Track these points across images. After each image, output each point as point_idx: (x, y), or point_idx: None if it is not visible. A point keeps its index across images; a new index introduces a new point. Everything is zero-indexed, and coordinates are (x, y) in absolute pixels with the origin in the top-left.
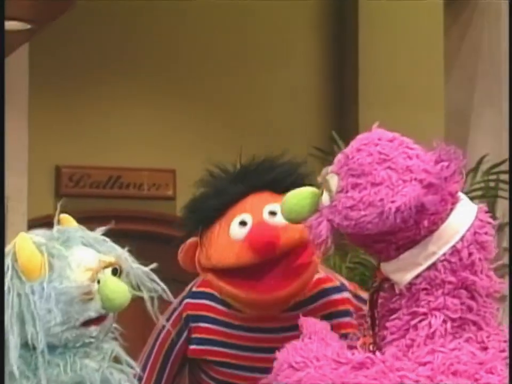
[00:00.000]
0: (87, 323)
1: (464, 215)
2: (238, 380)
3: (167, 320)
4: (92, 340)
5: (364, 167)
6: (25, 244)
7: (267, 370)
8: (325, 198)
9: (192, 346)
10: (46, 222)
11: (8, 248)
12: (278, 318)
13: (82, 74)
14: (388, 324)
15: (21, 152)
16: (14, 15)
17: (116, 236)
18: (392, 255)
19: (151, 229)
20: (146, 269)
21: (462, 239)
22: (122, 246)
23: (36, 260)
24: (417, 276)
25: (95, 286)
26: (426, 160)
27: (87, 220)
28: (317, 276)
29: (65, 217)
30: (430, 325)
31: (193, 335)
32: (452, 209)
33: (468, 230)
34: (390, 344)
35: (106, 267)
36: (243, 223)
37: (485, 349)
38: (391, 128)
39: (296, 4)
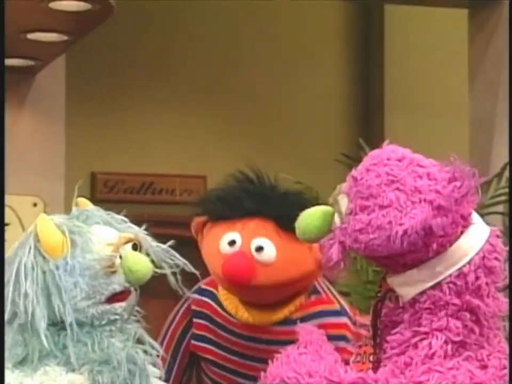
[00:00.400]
0: (112, 299)
1: (474, 238)
2: (225, 381)
3: (177, 312)
4: (117, 318)
5: (372, 189)
6: (46, 224)
7: (253, 378)
8: (337, 219)
9: (192, 341)
10: None
11: (28, 230)
12: (270, 331)
13: (116, 85)
14: (389, 338)
15: (58, 159)
16: (52, 28)
17: None
18: (399, 270)
19: (182, 233)
20: (165, 246)
21: (469, 262)
22: None
23: (57, 238)
24: (421, 293)
25: (118, 259)
26: (438, 179)
27: None
28: (317, 296)
29: (82, 200)
30: (430, 346)
31: (194, 331)
32: (462, 232)
33: (476, 254)
34: (390, 359)
35: (126, 243)
36: (232, 243)
37: (485, 367)
38: (416, 135)
39: (323, 13)
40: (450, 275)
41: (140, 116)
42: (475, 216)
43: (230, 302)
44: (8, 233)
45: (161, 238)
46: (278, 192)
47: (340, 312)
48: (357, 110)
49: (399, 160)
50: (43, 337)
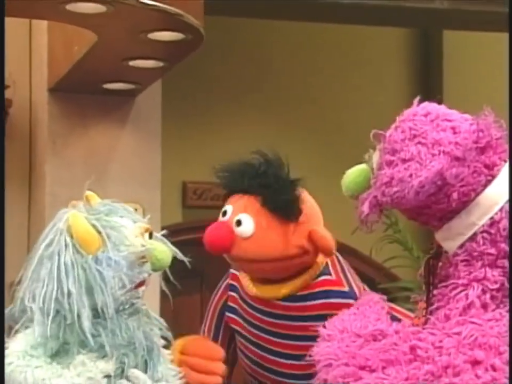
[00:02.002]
0: (138, 285)
1: (503, 186)
2: (248, 351)
3: (219, 287)
4: (138, 301)
5: (396, 144)
6: (79, 221)
7: (267, 350)
8: (371, 175)
9: (226, 313)
10: (176, 229)
11: (54, 228)
12: (278, 306)
13: (204, 106)
14: (435, 291)
15: (155, 171)
16: (150, 56)
17: None
18: (438, 225)
19: None
20: (158, 235)
21: (500, 210)
22: None
23: (92, 234)
24: (460, 246)
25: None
26: (462, 131)
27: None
28: (326, 277)
29: (90, 194)
30: (467, 296)
31: (228, 303)
32: (489, 180)
33: (506, 202)
34: (435, 312)
35: (145, 232)
36: (224, 213)
37: None
38: None
39: (387, 39)
40: (483, 225)
41: (224, 134)
42: (507, 166)
43: (244, 276)
44: None
45: None
46: (277, 176)
47: (347, 293)
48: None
49: (425, 115)
50: (89, 336)
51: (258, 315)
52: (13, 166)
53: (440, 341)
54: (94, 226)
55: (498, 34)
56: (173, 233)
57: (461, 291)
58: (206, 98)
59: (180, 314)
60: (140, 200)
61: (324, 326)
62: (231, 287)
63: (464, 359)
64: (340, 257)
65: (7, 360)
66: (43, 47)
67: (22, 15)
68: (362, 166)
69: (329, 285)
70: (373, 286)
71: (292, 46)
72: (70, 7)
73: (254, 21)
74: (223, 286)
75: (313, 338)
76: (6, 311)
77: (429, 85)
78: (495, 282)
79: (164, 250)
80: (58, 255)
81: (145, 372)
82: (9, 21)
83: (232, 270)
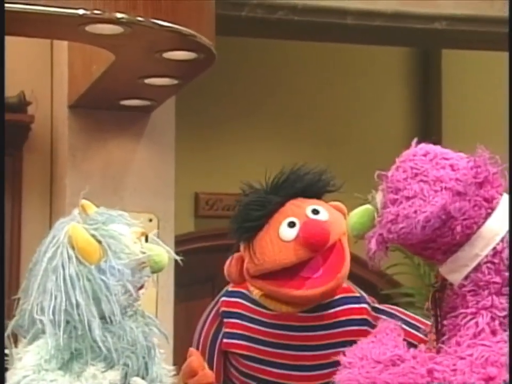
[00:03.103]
0: (138, 288)
1: (503, 218)
2: (259, 373)
3: (207, 316)
4: (137, 303)
5: (399, 183)
6: (79, 232)
7: (284, 366)
8: (375, 215)
9: (224, 340)
10: (188, 238)
11: (54, 239)
12: (299, 318)
13: (216, 121)
14: (445, 322)
15: (169, 182)
16: (164, 74)
17: None
18: (442, 259)
19: None
20: (151, 234)
21: (502, 240)
22: None
23: (92, 244)
24: (466, 277)
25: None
26: (461, 168)
27: (220, 236)
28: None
29: (86, 203)
30: (477, 324)
31: (226, 330)
32: (489, 213)
33: (507, 232)
34: (446, 341)
35: (141, 236)
36: (292, 224)
37: None
38: None
39: (388, 58)
40: (487, 255)
41: (234, 146)
42: (505, 198)
43: (260, 298)
44: None
45: None
46: (294, 175)
47: (360, 299)
48: (417, 142)
49: (424, 155)
50: (101, 344)
51: (275, 331)
52: (35, 178)
53: (454, 364)
54: (93, 236)
55: (495, 53)
56: (185, 242)
57: (470, 319)
58: (217, 114)
59: (193, 318)
60: (154, 210)
61: (344, 354)
62: (227, 314)
63: (478, 377)
64: None
65: (22, 373)
66: (63, 65)
67: (44, 35)
68: (366, 206)
69: (344, 292)
70: (375, 292)
71: (298, 64)
72: (90, 28)
73: (262, 41)
74: (211, 316)
75: (335, 345)
76: (13, 321)
77: (428, 102)
78: (503, 309)
79: (161, 253)
80: (63, 268)
81: (147, 373)
82: (31, 41)
83: (224, 298)
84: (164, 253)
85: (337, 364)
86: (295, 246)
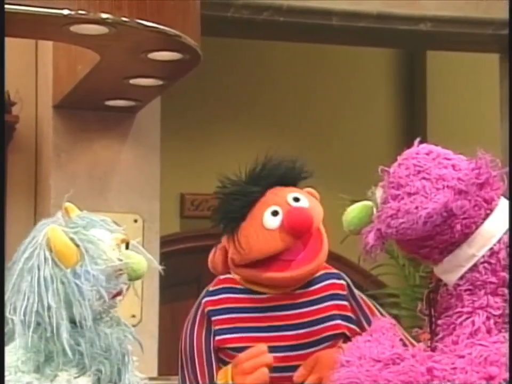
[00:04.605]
0: (115, 295)
1: (501, 219)
2: None
3: (193, 322)
4: (113, 310)
5: (401, 180)
6: (58, 234)
7: (282, 348)
8: (374, 210)
9: (216, 338)
10: (174, 239)
11: (33, 240)
12: (289, 296)
13: (201, 122)
14: (439, 322)
15: (154, 183)
16: (149, 74)
17: None
18: (438, 259)
19: None
20: (134, 241)
21: (499, 241)
22: None
23: (70, 247)
24: (461, 277)
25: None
26: (462, 169)
27: (206, 237)
28: None
29: (70, 206)
30: (473, 323)
31: (215, 327)
32: (488, 214)
33: (504, 233)
34: (441, 341)
35: (122, 243)
36: (275, 213)
37: None
38: None
39: (373, 59)
40: (483, 256)
41: (220, 146)
42: (503, 201)
43: (253, 284)
44: None
45: None
46: (271, 165)
47: (339, 275)
48: (403, 141)
49: (427, 154)
50: (67, 348)
51: (269, 314)
52: (19, 179)
53: (453, 363)
54: (72, 239)
55: (479, 54)
56: (171, 242)
57: (466, 318)
58: (202, 114)
59: (178, 319)
60: (139, 211)
61: (342, 353)
62: (213, 312)
63: (479, 376)
64: None
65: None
66: (48, 66)
67: (28, 35)
68: (364, 202)
69: (325, 268)
70: (361, 292)
71: (284, 65)
72: (74, 28)
73: (249, 42)
74: (197, 321)
75: (325, 320)
76: None
77: (413, 103)
78: (498, 308)
79: (140, 261)
80: (38, 269)
81: (119, 379)
82: (16, 41)
83: (207, 298)
84: (143, 261)
85: (329, 338)
86: (280, 233)
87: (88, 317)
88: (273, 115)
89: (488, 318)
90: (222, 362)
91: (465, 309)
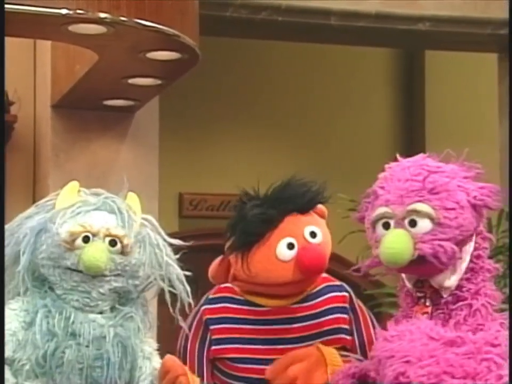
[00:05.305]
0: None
1: None
2: (252, 373)
3: (189, 327)
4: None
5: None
6: (70, 191)
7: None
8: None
9: (213, 347)
10: (172, 238)
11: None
12: (289, 310)
13: (200, 121)
14: (442, 301)
15: (153, 182)
16: (148, 74)
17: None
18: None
19: None
20: (169, 241)
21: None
22: None
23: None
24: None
25: (79, 242)
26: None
27: (204, 236)
28: (323, 275)
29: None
30: (470, 306)
31: (213, 337)
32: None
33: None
34: (436, 317)
35: (106, 236)
36: (290, 246)
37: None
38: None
39: (373, 59)
40: (475, 249)
41: (218, 146)
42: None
43: (252, 295)
44: None
45: None
46: (293, 190)
47: (341, 287)
48: (401, 140)
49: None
50: (23, 274)
51: (266, 327)
52: (17, 178)
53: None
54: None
55: (478, 54)
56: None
57: (465, 304)
58: (201, 114)
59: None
60: None
61: (384, 329)
62: (211, 321)
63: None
64: None
65: None
66: (47, 66)
67: (27, 35)
68: (399, 232)
69: (327, 281)
70: (359, 292)
71: (283, 65)
72: (73, 28)
73: (247, 42)
74: (193, 327)
75: (323, 334)
76: None
77: (412, 101)
78: (495, 298)
79: (92, 257)
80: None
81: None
82: (14, 40)
83: (206, 306)
84: (95, 261)
85: None
86: (292, 267)
87: (26, 258)
88: (271, 115)
89: (487, 304)
90: (220, 372)
91: (465, 294)
